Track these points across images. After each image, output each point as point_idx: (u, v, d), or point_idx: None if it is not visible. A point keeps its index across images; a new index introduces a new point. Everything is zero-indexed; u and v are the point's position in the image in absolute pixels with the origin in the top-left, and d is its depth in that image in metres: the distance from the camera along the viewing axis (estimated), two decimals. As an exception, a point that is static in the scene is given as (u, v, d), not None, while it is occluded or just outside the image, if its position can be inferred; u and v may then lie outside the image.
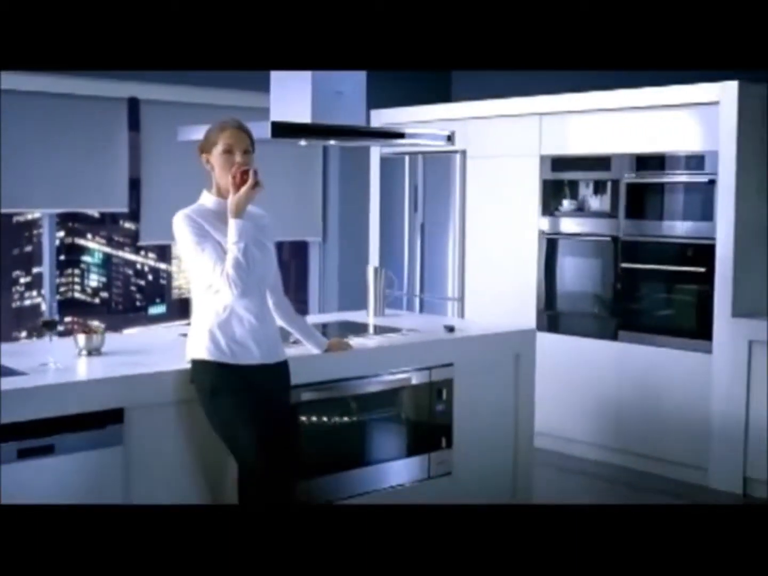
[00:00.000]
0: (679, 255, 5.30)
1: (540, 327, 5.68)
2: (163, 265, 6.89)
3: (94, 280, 6.70)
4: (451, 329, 4.42)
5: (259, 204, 3.47)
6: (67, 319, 6.14)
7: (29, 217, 6.05)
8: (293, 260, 7.04)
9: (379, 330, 4.45)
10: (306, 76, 4.05)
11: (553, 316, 5.86)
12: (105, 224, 6.67)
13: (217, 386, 3.32)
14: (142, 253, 6.75)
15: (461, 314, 6.23)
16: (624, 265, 5.50)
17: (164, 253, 6.76)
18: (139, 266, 6.85)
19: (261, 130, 3.65)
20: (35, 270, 6.06)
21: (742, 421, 5.04)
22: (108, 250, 6.74)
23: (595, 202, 5.71)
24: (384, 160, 6.64)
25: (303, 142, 4.31)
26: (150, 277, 6.90)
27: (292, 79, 4.10)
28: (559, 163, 5.76)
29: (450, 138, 4.52)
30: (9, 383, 3.17)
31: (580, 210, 5.75)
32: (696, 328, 5.26)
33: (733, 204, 5.03)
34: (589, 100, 5.57)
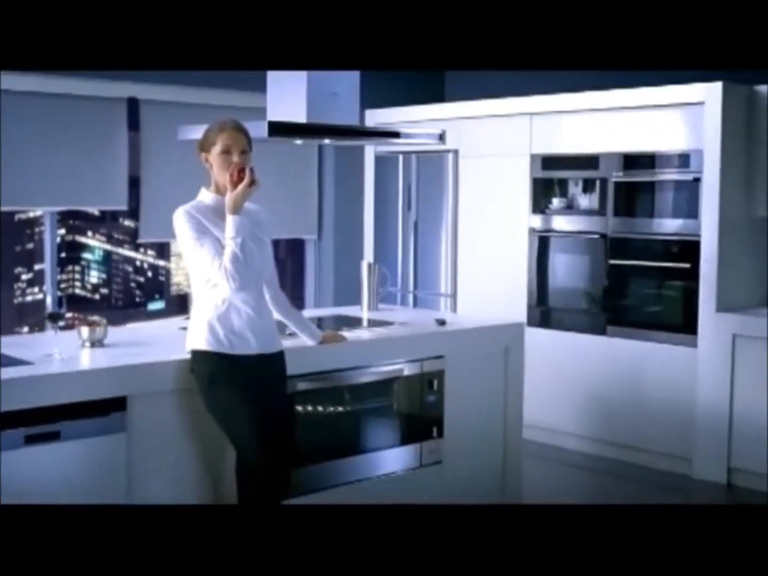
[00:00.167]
0: (666, 252, 5.38)
1: (531, 322, 5.75)
2: (162, 262, 6.92)
3: (94, 276, 6.71)
4: (442, 323, 4.50)
5: (256, 202, 3.55)
6: (68, 314, 6.17)
7: (31, 215, 6.08)
8: (290, 257, 7.07)
9: (373, 323, 4.51)
10: (302, 76, 4.09)
11: (543, 311, 5.92)
12: (105, 222, 6.68)
13: (216, 376, 3.40)
14: (142, 250, 6.77)
15: (453, 310, 6.28)
16: (612, 261, 5.58)
17: (163, 250, 6.79)
18: (138, 263, 6.87)
19: (258, 130, 3.71)
20: (37, 267, 6.08)
21: (726, 412, 5.12)
22: (108, 247, 6.75)
23: (584, 200, 5.79)
24: (378, 160, 6.68)
25: (299, 142, 4.38)
26: (149, 274, 6.92)
27: (288, 79, 4.14)
28: (549, 162, 5.83)
29: (441, 137, 4.58)
30: (16, 372, 3.26)
31: (570, 208, 5.83)
32: (682, 322, 5.34)
33: (717, 201, 5.11)
34: (578, 100, 5.65)
